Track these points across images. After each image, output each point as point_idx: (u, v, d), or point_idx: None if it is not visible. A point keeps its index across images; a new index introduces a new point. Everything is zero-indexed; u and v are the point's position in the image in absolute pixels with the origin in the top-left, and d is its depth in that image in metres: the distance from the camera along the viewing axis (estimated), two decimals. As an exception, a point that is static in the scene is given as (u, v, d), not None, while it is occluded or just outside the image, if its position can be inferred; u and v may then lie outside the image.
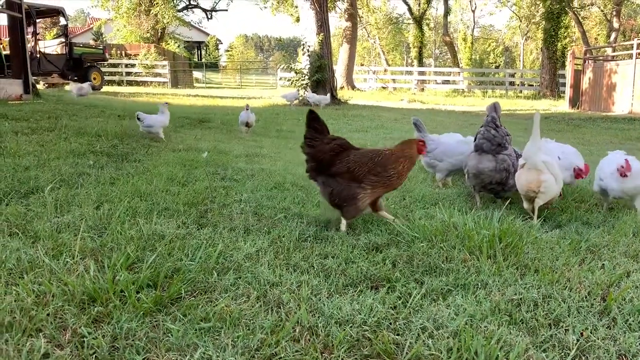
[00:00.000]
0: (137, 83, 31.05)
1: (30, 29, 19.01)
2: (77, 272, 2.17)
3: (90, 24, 51.84)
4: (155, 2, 37.30)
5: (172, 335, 1.74)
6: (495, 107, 4.07)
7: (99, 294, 1.96)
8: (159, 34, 39.15)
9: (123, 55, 32.43)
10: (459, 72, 36.38)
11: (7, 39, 14.18)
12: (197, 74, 45.80)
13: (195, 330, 1.79)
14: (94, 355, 1.62)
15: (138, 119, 6.79)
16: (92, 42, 36.56)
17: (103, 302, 1.94)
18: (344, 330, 1.86)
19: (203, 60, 57.11)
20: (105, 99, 15.32)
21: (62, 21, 24.14)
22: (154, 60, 31.87)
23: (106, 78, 27.27)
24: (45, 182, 3.74)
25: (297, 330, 1.83)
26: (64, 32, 23.60)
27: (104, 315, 1.86)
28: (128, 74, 31.90)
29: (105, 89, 23.62)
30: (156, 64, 31.92)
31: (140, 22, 37.32)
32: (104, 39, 40.95)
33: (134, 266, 2.33)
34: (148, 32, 37.86)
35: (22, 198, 3.35)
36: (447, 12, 43.76)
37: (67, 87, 20.07)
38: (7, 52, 15.42)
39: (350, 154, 3.21)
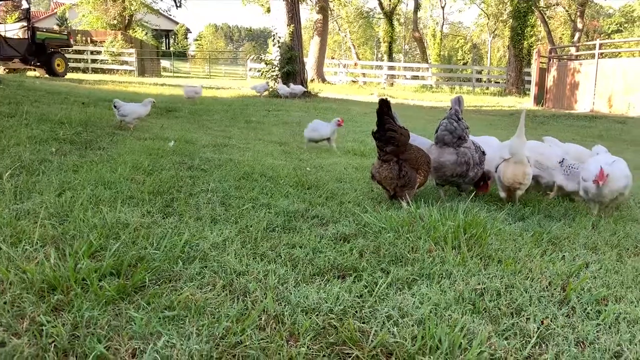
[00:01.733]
0: (103, 71, 30.31)
1: (-10, 12, 18.41)
2: (37, 260, 2.10)
3: (54, 8, 50.23)
4: (122, -12, 36.44)
5: (135, 323, 1.71)
6: (459, 100, 4.09)
7: (60, 282, 1.91)
8: (127, 21, 38.27)
9: (89, 42, 31.56)
10: (428, 68, 36.79)
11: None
12: (164, 62, 44.99)
13: (159, 318, 1.77)
14: (53, 344, 1.57)
15: (114, 106, 6.64)
16: (56, 28, 35.43)
17: (64, 290, 1.88)
18: (310, 318, 1.86)
19: (171, 49, 56.12)
20: (69, 86, 14.90)
21: (24, 4, 23.35)
22: (121, 47, 31.12)
23: (71, 65, 26.49)
24: (4, 168, 3.62)
25: (263, 319, 1.82)
26: (26, 15, 22.80)
27: (64, 303, 1.81)
28: (94, 61, 31.10)
29: (69, 75, 22.96)
30: (123, 51, 31.18)
31: (107, 8, 36.37)
32: (69, 25, 39.76)
33: (97, 254, 2.28)
34: (115, 19, 36.95)
35: (-21, 185, 3.23)
36: (417, 7, 44.15)
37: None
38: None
39: (412, 146, 3.77)
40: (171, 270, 2.18)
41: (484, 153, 4.07)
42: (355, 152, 6.44)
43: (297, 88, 16.51)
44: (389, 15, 40.71)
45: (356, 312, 1.95)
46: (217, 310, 1.87)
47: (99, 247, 2.34)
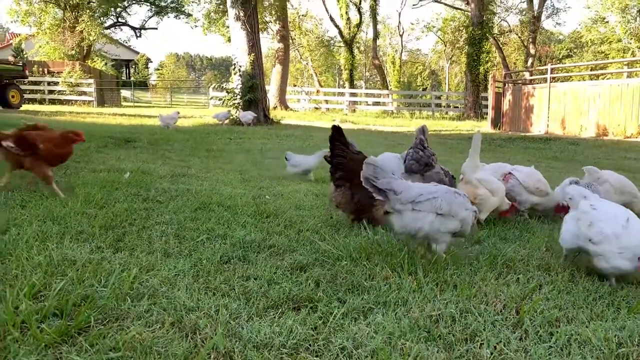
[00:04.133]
0: (61, 102, 29.70)
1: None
2: (-27, 304, 1.99)
3: (10, 39, 49.19)
4: (80, 19, 36.05)
5: (75, 368, 1.63)
6: (423, 130, 4.29)
7: (-4, 326, 1.81)
8: (85, 51, 37.81)
9: (45, 72, 30.97)
10: (388, 94, 37.49)
11: None
12: (125, 92, 44.48)
13: (102, 361, 1.68)
14: (-17, 396, 1.48)
15: (286, 158, 6.57)
16: (11, 59, 34.65)
17: (0, 335, 1.78)
18: (262, 354, 1.81)
19: (132, 78, 55.57)
20: (24, 118, 14.50)
21: (-23, 36, 22.80)
22: (79, 78, 30.66)
23: (26, 96, 25.87)
24: (-55, 206, 3.46)
25: (212, 357, 1.76)
26: (-21, 47, 22.25)
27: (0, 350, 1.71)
28: (51, 92, 30.48)
29: (25, 107, 22.39)
30: (81, 82, 30.71)
31: (65, 38, 35.86)
32: (25, 56, 38.94)
33: (40, 295, 2.18)
34: (73, 49, 36.42)
35: None
36: (376, 36, 45.22)
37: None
38: None
39: None
40: (118, 309, 2.10)
41: (453, 177, 4.20)
42: (317, 178, 6.44)
43: (246, 115, 16.58)
44: (349, 44, 41.49)
45: (310, 345, 1.91)
46: (164, 349, 1.80)
47: (43, 286, 2.24)
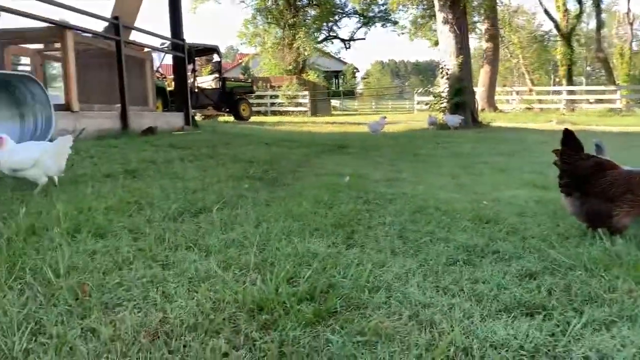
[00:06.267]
0: (280, 113, 33.01)
1: (190, 67, 21.33)
2: (245, 284, 2.41)
3: (240, 59, 56.40)
4: (297, 36, 39.63)
5: (332, 345, 1.86)
6: None
7: (266, 304, 2.16)
8: (300, 65, 41.43)
9: (268, 87, 34.77)
10: (616, 90, 33.29)
11: (172, 76, 16.04)
12: (334, 101, 47.43)
13: (353, 342, 1.90)
14: (264, 358, 1.79)
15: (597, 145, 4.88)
16: (240, 76, 39.75)
17: (269, 311, 2.13)
18: (499, 353, 1.84)
19: (340, 88, 59.00)
20: (253, 129, 16.53)
21: (216, 58, 26.63)
22: (296, 90, 33.70)
23: (253, 109, 29.38)
24: (211, 203, 4.18)
25: (451, 350, 1.85)
26: (218, 68, 26.00)
27: (270, 323, 2.05)
28: (272, 104, 34.08)
29: (252, 119, 25.46)
30: (297, 94, 33.71)
31: (284, 55, 39.83)
32: (252, 73, 44.26)
33: (292, 280, 2.52)
34: (290, 65, 40.23)
35: (193, 217, 3.78)
36: (600, 26, 40.53)
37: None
38: (171, 88, 17.44)
39: (608, 173, 3.41)
40: (359, 298, 2.32)
41: None
42: (535, 184, 6.10)
43: (453, 119, 16.28)
44: (567, 37, 37.98)
45: (548, 350, 1.88)
46: (405, 338, 1.95)
47: (294, 274, 2.58)
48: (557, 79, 47.02)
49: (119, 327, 1.93)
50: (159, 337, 1.89)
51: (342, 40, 49.83)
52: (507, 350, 1.86)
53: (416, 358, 1.78)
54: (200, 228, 3.42)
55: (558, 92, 33.73)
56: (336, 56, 53.65)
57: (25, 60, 12.52)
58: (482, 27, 29.65)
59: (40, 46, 11.59)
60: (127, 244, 2.94)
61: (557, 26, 39.01)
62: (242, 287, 2.37)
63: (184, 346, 1.84)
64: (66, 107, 8.65)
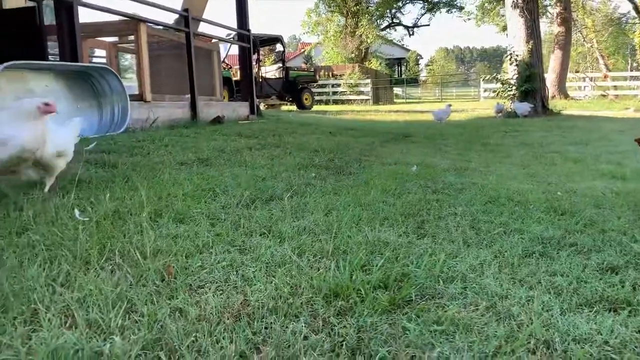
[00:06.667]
0: (342, 101, 33.01)
1: (255, 57, 21.67)
2: (319, 270, 2.46)
3: (302, 48, 56.70)
4: (360, 24, 39.35)
5: (409, 333, 1.88)
6: None
7: (341, 290, 2.21)
8: (363, 53, 41.16)
9: (330, 75, 34.81)
10: (701, 74, 30.99)
11: (237, 66, 16.40)
12: (397, 89, 46.86)
13: (429, 331, 1.91)
14: (343, 343, 1.84)
15: None
16: (303, 65, 40.01)
17: (344, 297, 2.17)
18: (583, 348, 1.80)
19: (403, 76, 58.18)
20: (316, 118, 16.65)
21: (280, 48, 26.93)
22: (358, 79, 33.55)
23: (316, 98, 29.53)
24: (281, 190, 4.27)
25: (532, 343, 1.83)
26: (281, 57, 26.27)
27: (346, 309, 2.09)
28: (334, 93, 34.12)
29: (315, 107, 25.63)
30: (359, 82, 33.56)
31: (346, 43, 39.70)
32: (314, 62, 44.44)
33: (365, 268, 2.55)
34: (353, 53, 40.06)
35: (265, 204, 3.88)
36: (685, 6, 37.68)
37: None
38: (237, 78, 17.85)
39: None
40: (433, 288, 2.32)
41: None
42: (614, 174, 5.83)
43: (522, 107, 15.71)
44: (647, 19, 35.64)
45: (636, 347, 1.82)
46: (483, 329, 1.93)
47: (366, 262, 2.61)
48: (636, 64, 44.28)
49: (204, 308, 2.04)
50: (241, 318, 1.97)
51: (406, 27, 49.08)
52: (590, 345, 1.82)
53: (495, 349, 1.77)
54: (273, 215, 3.51)
55: (636, 78, 31.75)
56: (399, 43, 52.89)
57: (100, 52, 13.18)
58: (554, 10, 28.26)
59: (114, 39, 12.14)
60: (206, 229, 3.07)
61: (636, 8, 36.65)
62: (317, 273, 2.42)
63: (266, 328, 1.91)
64: (140, 98, 9.04)
